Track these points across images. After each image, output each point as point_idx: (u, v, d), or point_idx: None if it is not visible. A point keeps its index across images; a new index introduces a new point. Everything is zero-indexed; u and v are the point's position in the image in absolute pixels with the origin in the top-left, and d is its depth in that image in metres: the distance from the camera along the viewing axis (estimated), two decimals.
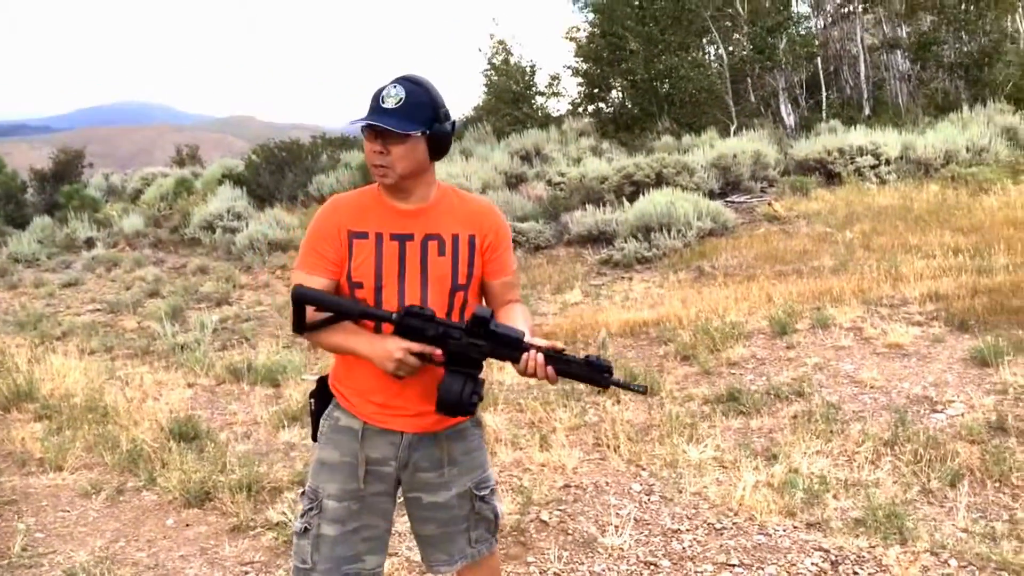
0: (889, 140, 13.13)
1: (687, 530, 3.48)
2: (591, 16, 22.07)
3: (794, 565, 3.15)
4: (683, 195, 10.82)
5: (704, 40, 21.67)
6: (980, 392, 4.64)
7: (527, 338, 2.01)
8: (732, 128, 17.96)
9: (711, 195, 11.76)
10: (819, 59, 20.36)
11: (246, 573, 3.34)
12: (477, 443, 2.23)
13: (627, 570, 3.20)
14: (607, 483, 3.95)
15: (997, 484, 3.68)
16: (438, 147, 2.04)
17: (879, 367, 5.18)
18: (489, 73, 22.73)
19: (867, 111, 19.27)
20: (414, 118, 1.97)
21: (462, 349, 2.01)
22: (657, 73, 19.77)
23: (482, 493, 2.22)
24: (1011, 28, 19.79)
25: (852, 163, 12.68)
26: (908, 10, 19.74)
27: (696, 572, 3.16)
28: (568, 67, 22.08)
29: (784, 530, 3.41)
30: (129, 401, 5.52)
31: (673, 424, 4.54)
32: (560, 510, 3.70)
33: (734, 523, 3.50)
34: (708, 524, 3.51)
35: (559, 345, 2.01)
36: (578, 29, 22.58)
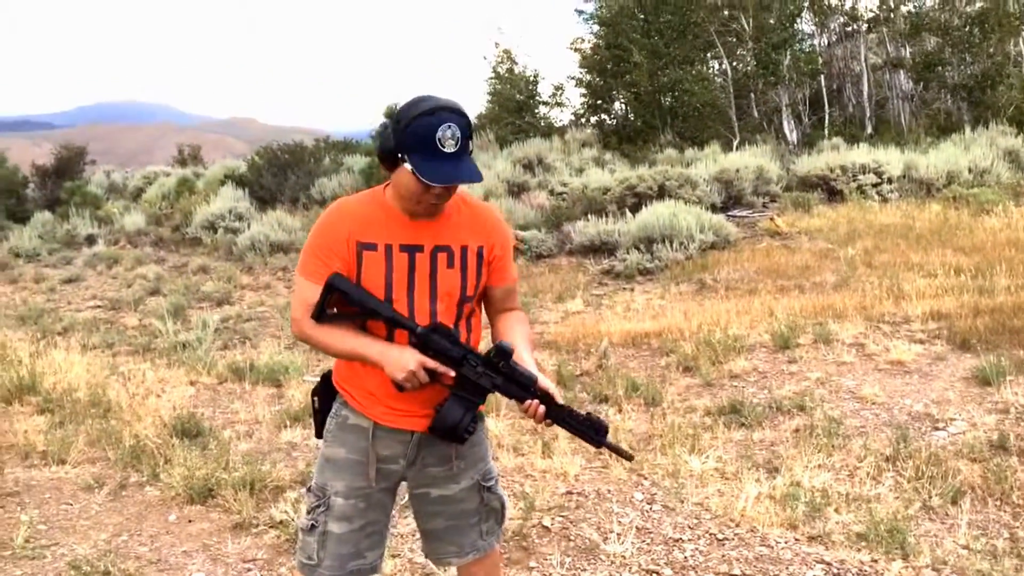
0: (891, 159, 13.18)
1: (689, 540, 3.49)
2: (596, 28, 22.17)
3: None
4: (685, 208, 10.85)
5: (708, 54, 21.77)
6: (982, 411, 4.66)
7: (539, 381, 2.05)
8: (735, 143, 18.02)
9: (713, 209, 11.79)
10: (823, 77, 20.46)
11: (248, 570, 3.35)
12: (480, 436, 2.26)
13: None
14: (609, 491, 3.96)
15: (998, 502, 3.70)
16: None
17: (881, 383, 5.20)
18: (493, 81, 22.80)
19: (869, 130, 19.36)
20: (468, 150, 1.94)
21: (475, 377, 2.03)
22: (661, 86, 19.86)
23: (488, 484, 2.26)
24: (1014, 51, 19.88)
25: (854, 181, 12.73)
26: (912, 31, 19.84)
27: None
28: (572, 78, 22.19)
29: (786, 542, 3.42)
30: (131, 397, 5.53)
31: (675, 434, 4.55)
32: (562, 516, 3.71)
33: (736, 534, 3.51)
34: (710, 534, 3.52)
35: (557, 395, 2.07)
36: (583, 40, 22.66)
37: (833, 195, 12.82)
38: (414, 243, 2.04)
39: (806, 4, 21.18)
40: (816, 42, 22.54)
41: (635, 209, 11.41)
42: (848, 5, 21.43)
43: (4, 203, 19.09)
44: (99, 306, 10.13)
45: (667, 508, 3.77)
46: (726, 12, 20.45)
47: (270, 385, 5.99)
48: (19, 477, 4.31)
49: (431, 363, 2.00)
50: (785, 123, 19.56)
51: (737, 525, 3.58)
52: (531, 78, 22.20)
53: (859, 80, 20.64)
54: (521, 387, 2.05)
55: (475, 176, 1.92)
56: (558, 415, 2.08)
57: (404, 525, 3.42)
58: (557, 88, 22.46)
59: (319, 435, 2.22)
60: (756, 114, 20.45)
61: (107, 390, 5.67)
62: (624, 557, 3.34)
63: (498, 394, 2.08)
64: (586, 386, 5.66)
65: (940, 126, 18.22)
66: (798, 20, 21.16)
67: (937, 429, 4.50)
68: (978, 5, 19.11)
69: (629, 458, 2.18)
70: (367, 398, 2.12)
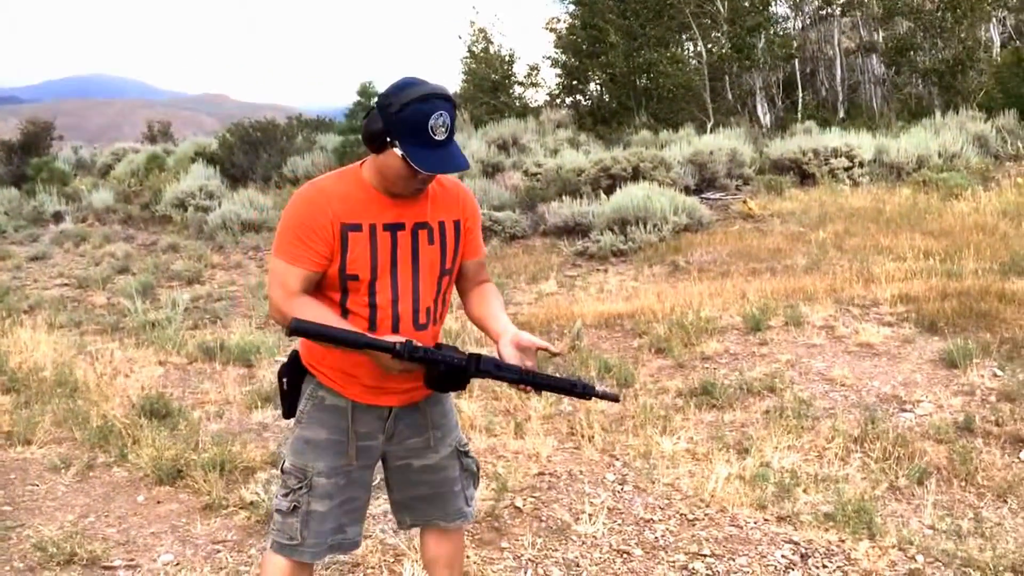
0: (863, 143, 13.29)
1: (660, 520, 3.51)
2: (572, 7, 22.09)
3: (764, 557, 3.20)
4: (659, 190, 10.87)
5: (684, 36, 21.77)
6: (948, 393, 4.73)
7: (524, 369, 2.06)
8: (709, 125, 18.07)
9: (687, 191, 11.83)
10: (796, 60, 20.54)
11: (218, 552, 3.33)
12: (449, 405, 2.33)
13: (600, 558, 3.23)
14: (581, 472, 3.98)
15: (963, 483, 3.76)
16: None
17: (850, 365, 5.25)
18: (468, 61, 22.66)
19: (841, 113, 19.50)
20: (454, 137, 1.97)
21: (465, 376, 2.04)
22: (636, 67, 19.85)
23: (465, 448, 2.34)
24: (985, 36, 20.08)
25: (826, 164, 12.82)
26: (885, 14, 19.96)
27: (668, 561, 3.19)
28: (547, 58, 22.11)
29: (755, 522, 3.45)
30: (99, 377, 5.45)
31: (647, 415, 4.57)
32: (534, 497, 3.72)
33: (706, 514, 3.54)
34: (680, 515, 3.55)
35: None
36: (558, 20, 22.59)
37: (805, 178, 12.91)
38: (396, 221, 2.05)
39: None
40: (791, 25, 22.62)
41: (609, 191, 11.42)
42: None
43: None
44: (66, 284, 9.98)
45: (638, 489, 3.79)
46: None
47: (241, 365, 5.94)
48: None
49: (412, 365, 2.00)
50: (759, 106, 19.65)
51: (707, 505, 3.61)
52: (506, 58, 22.09)
53: (832, 64, 20.76)
54: (512, 380, 2.07)
55: (464, 164, 1.95)
56: (542, 383, 2.09)
57: (375, 506, 3.41)
58: (532, 68, 22.41)
59: (287, 415, 2.20)
60: (730, 97, 20.51)
61: (74, 369, 5.59)
62: (595, 537, 3.36)
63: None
64: (559, 367, 5.66)
65: (911, 111, 18.39)
66: (773, 3, 21.22)
67: (904, 411, 4.56)
68: None
69: (616, 399, 2.22)
70: (343, 378, 2.12)
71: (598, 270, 9.30)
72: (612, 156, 12.63)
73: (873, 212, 10.28)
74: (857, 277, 7.27)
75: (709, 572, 3.12)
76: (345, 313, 2.06)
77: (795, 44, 20.52)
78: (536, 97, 23.17)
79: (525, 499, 3.70)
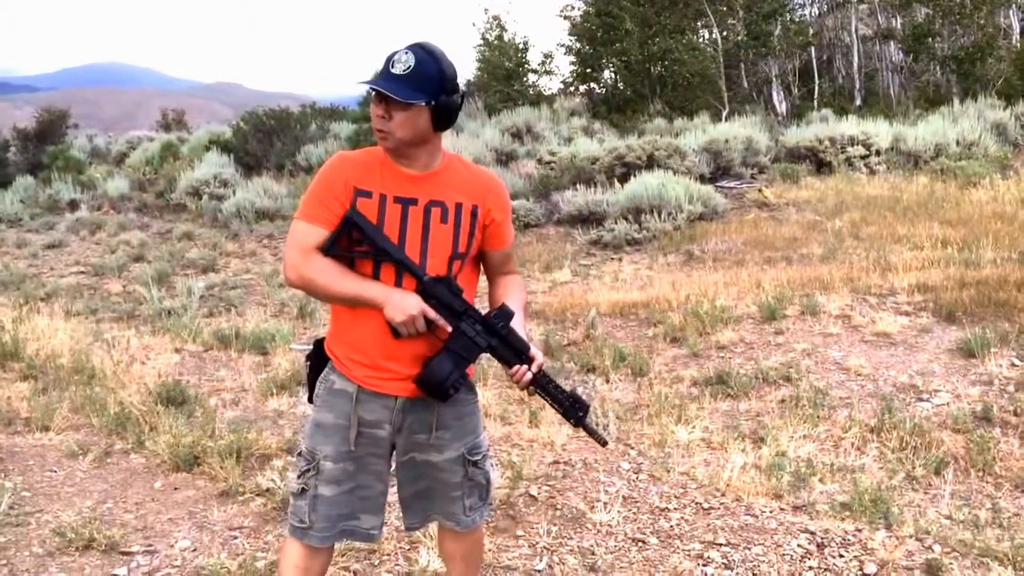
0: (880, 131, 13.18)
1: (675, 509, 3.51)
2: None
3: (780, 546, 3.19)
4: (674, 178, 10.81)
5: (699, 24, 21.60)
6: (966, 382, 4.70)
7: (531, 350, 2.11)
8: (724, 113, 17.96)
9: (702, 179, 11.76)
10: (813, 48, 20.36)
11: (234, 538, 3.34)
12: (470, 409, 2.26)
13: (615, 546, 3.23)
14: (596, 460, 3.97)
15: (981, 473, 3.74)
16: (443, 118, 2.04)
17: (867, 355, 5.22)
18: (482, 49, 22.56)
19: (858, 101, 19.32)
20: (420, 87, 1.97)
21: (472, 334, 2.07)
22: (651, 55, 19.72)
23: (474, 458, 2.25)
24: (1004, 23, 19.84)
25: (843, 152, 12.72)
26: (903, 1, 19.75)
27: (683, 550, 3.19)
28: (561, 45, 21.97)
29: (771, 512, 3.44)
30: (116, 364, 5.48)
31: (662, 404, 4.56)
32: (549, 485, 3.72)
33: (721, 503, 3.53)
34: (696, 504, 3.54)
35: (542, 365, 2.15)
36: (572, 8, 22.43)
37: (821, 167, 12.82)
38: (408, 196, 2.07)
39: None
40: (807, 12, 22.42)
41: (624, 179, 11.37)
42: None
43: None
44: (82, 272, 10.04)
45: (653, 477, 3.79)
46: None
47: (256, 353, 5.96)
48: (2, 443, 4.28)
49: (432, 313, 2.04)
50: (774, 94, 19.51)
51: (723, 495, 3.60)
52: (520, 46, 21.97)
53: (849, 51, 20.55)
54: (514, 352, 2.10)
55: (398, 92, 1.95)
56: (544, 385, 2.14)
57: (392, 493, 3.41)
58: (546, 56, 22.25)
59: (311, 400, 2.23)
60: (746, 85, 20.37)
61: (91, 357, 5.63)
62: (610, 526, 3.36)
63: (489, 356, 2.12)
64: (573, 356, 5.65)
65: (929, 98, 18.20)
66: None
67: (921, 400, 4.53)
68: None
69: (603, 443, 2.24)
70: (350, 360, 2.13)
71: (612, 259, 9.27)
72: (627, 144, 12.57)
73: (890, 200, 10.20)
74: (874, 266, 7.22)
75: (725, 561, 3.11)
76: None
77: (811, 31, 20.33)
78: (550, 85, 23.07)
79: (540, 488, 3.70)
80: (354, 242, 2.05)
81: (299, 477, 2.18)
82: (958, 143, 12.98)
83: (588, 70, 21.69)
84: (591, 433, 2.19)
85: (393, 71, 1.97)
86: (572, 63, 21.84)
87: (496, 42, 22.16)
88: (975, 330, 5.24)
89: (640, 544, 3.24)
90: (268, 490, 3.63)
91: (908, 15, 20.14)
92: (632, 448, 4.12)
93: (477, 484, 2.27)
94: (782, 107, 19.17)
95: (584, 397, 2.18)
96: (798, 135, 13.66)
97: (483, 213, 2.16)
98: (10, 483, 3.77)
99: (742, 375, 4.99)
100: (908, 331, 5.60)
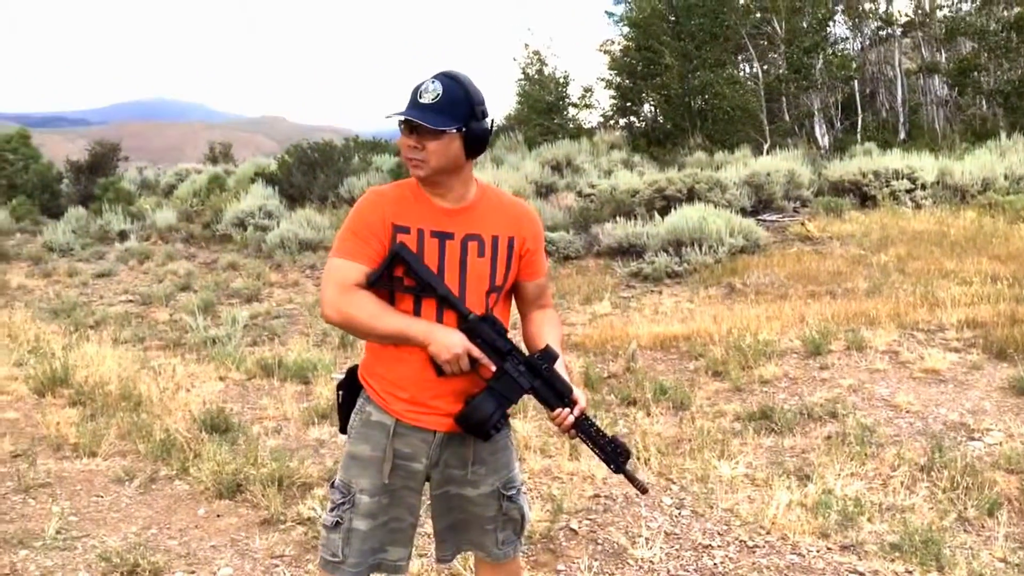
0: (925, 165, 13.02)
1: (719, 546, 3.45)
2: (626, 30, 22.10)
3: None
4: (715, 211, 10.77)
5: (740, 58, 21.63)
6: (1019, 421, 4.57)
7: (574, 394, 2.09)
8: (765, 147, 17.88)
9: (743, 213, 11.69)
10: (856, 81, 20.25)
11: (276, 566, 3.35)
12: (504, 443, 2.23)
13: None
14: (637, 495, 3.92)
15: None
16: (474, 145, 2.04)
17: (915, 392, 5.12)
18: (522, 83, 22.80)
19: (903, 135, 19.14)
20: (449, 114, 1.98)
21: (516, 375, 2.05)
22: (691, 89, 19.76)
23: (509, 493, 2.22)
24: None
25: (887, 186, 12.57)
26: (948, 35, 19.60)
27: None
28: (601, 79, 22.13)
29: (818, 551, 3.37)
30: (162, 391, 5.57)
31: (704, 439, 4.51)
32: (590, 519, 3.69)
33: (767, 541, 3.47)
34: (740, 541, 3.48)
35: (586, 408, 2.13)
36: (613, 42, 22.64)
37: (865, 200, 12.68)
38: (445, 230, 2.06)
39: (840, 8, 20.97)
40: (850, 46, 22.32)
41: (664, 212, 11.35)
42: (883, 9, 21.20)
43: (39, 198, 19.39)
44: (130, 300, 10.23)
45: (696, 513, 3.73)
46: (758, 15, 20.30)
47: (298, 382, 6.01)
48: (51, 468, 4.36)
49: (476, 352, 2.02)
50: (817, 127, 19.40)
51: (768, 532, 3.53)
52: (560, 80, 22.16)
53: (893, 85, 20.42)
54: (557, 395, 2.08)
55: (429, 121, 1.96)
56: (586, 429, 2.12)
57: (430, 526, 3.40)
58: (586, 90, 22.44)
59: (343, 430, 2.21)
60: (787, 118, 20.29)
61: (138, 384, 5.72)
62: (652, 562, 3.31)
63: (531, 397, 2.09)
64: (614, 389, 5.62)
65: (975, 132, 17.97)
66: (831, 24, 20.97)
67: (973, 439, 4.42)
68: (1016, 10, 18.82)
69: (644, 491, 2.22)
70: (389, 394, 2.11)
71: (653, 291, 9.23)
72: (667, 177, 12.56)
73: (937, 235, 10.05)
74: (921, 301, 7.10)
75: None
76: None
77: (854, 64, 20.23)
78: (590, 119, 23.21)
79: (580, 521, 3.66)
80: (395, 279, 2.03)
81: (333, 510, 2.14)
82: (1006, 177, 12.77)
83: (628, 103, 21.81)
84: (632, 480, 2.17)
85: (422, 100, 1.99)
86: (612, 97, 21.99)
87: (537, 76, 22.39)
88: None
89: None
90: (309, 519, 3.64)
91: (953, 49, 19.97)
92: (674, 483, 4.07)
93: (511, 519, 2.24)
94: (824, 140, 19.05)
95: (624, 440, 2.14)
96: (841, 168, 13.53)
97: (519, 243, 2.14)
98: (58, 507, 3.83)
99: (786, 410, 4.91)
100: (958, 368, 5.48)
